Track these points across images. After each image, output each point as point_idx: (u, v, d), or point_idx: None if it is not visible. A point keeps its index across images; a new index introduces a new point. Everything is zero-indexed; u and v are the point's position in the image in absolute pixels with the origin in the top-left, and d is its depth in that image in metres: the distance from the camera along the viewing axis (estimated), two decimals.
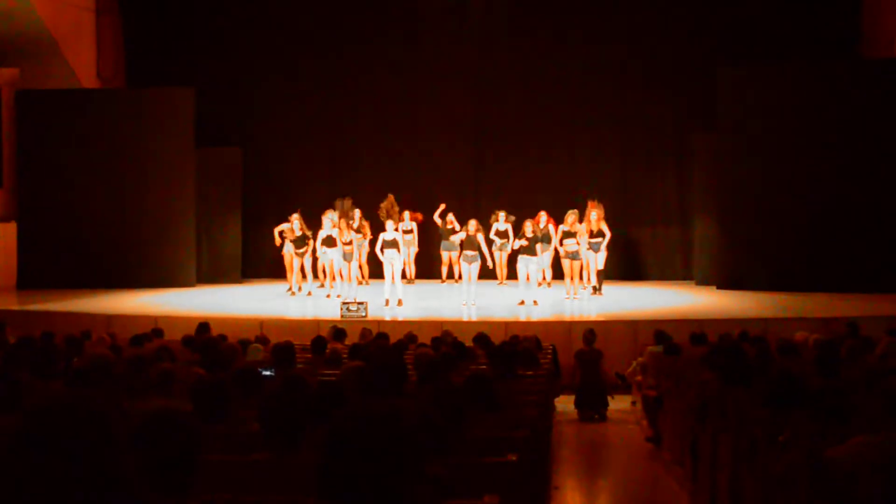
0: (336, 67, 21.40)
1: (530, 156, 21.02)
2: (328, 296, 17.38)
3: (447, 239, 18.79)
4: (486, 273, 18.06)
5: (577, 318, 14.86)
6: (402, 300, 16.06)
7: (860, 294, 16.60)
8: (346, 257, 16.98)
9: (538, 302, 16.15)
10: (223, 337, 11.42)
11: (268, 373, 7.43)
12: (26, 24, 18.89)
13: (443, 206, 19.17)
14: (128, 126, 19.86)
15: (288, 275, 18.34)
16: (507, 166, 21.07)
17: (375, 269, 17.95)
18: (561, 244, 17.23)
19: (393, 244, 16.07)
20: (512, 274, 17.67)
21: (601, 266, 17.40)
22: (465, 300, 16.10)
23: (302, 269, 18.11)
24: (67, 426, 2.25)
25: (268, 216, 19.57)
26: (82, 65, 20.63)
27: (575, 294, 17.01)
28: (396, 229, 16.43)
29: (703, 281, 19.15)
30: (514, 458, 4.59)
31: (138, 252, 19.66)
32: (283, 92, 21.50)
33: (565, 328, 14.08)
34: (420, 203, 20.05)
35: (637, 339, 13.40)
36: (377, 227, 17.67)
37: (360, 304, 14.72)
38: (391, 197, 19.17)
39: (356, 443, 2.43)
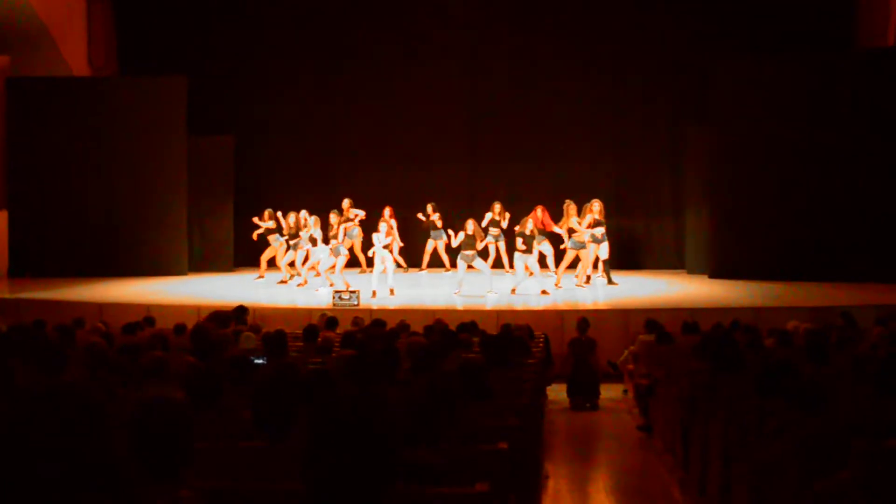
0: (330, 56, 21.33)
1: (525, 150, 21.00)
2: (317, 290, 17.33)
3: (435, 229, 19.17)
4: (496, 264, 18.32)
5: (569, 307, 14.87)
6: (393, 289, 16.12)
7: (851, 283, 16.65)
8: (335, 252, 16.98)
9: (548, 291, 16.21)
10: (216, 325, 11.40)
11: (259, 361, 7.44)
12: (17, 11, 18.78)
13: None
14: (119, 114, 19.79)
15: (279, 265, 18.46)
16: (502, 161, 21.05)
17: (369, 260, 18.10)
18: (569, 236, 17.18)
19: (385, 248, 16.45)
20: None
21: (606, 255, 17.35)
22: (457, 288, 16.16)
23: (293, 260, 18.15)
24: (60, 413, 2.26)
25: (260, 205, 19.52)
26: (74, 53, 20.55)
27: (587, 282, 17.11)
28: (388, 234, 16.60)
29: (695, 270, 19.20)
30: (505, 447, 4.61)
31: (130, 240, 19.62)
32: (277, 80, 21.43)
33: (557, 317, 14.09)
34: (415, 196, 20.09)
35: (629, 328, 13.43)
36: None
37: (352, 292, 14.73)
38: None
39: (335, 428, 2.45)
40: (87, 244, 19.55)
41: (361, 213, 18.62)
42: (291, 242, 18.05)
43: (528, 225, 16.31)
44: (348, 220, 18.17)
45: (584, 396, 11.92)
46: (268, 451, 4.27)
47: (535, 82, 20.98)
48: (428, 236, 19.49)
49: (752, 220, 18.12)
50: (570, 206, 17.26)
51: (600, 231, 17.02)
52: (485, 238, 17.00)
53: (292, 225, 18.03)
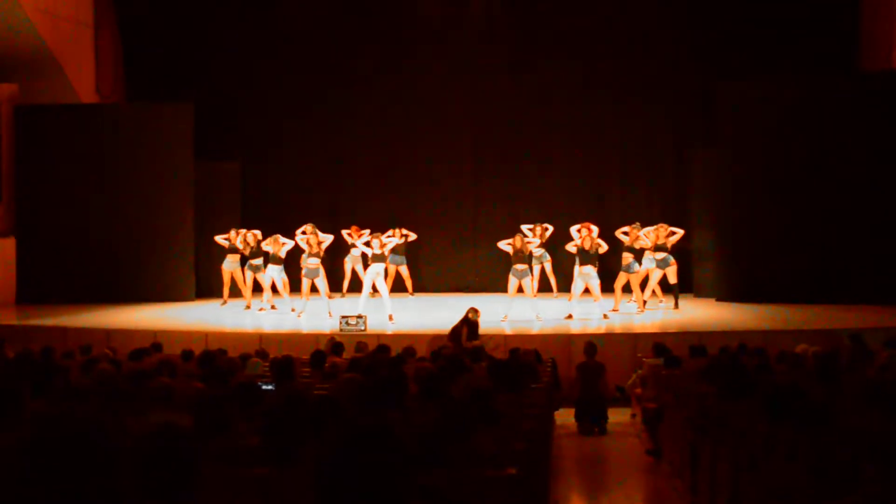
0: (335, 82, 21.44)
1: (529, 172, 21.07)
2: (292, 310, 17.20)
3: (400, 254, 18.83)
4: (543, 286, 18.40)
5: (577, 332, 14.84)
6: (392, 315, 16.00)
7: (860, 306, 16.60)
8: (310, 274, 16.89)
9: (573, 315, 16.10)
10: (223, 351, 11.41)
11: (268, 387, 7.43)
12: (25, 39, 18.92)
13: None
14: (126, 141, 19.88)
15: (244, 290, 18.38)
16: (506, 182, 21.12)
17: (335, 286, 18.63)
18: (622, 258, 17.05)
19: (380, 258, 16.37)
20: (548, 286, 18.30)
21: (674, 280, 17.24)
22: (533, 314, 15.95)
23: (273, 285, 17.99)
24: (68, 441, 2.26)
25: (266, 230, 19.54)
26: (81, 80, 20.66)
27: (613, 308, 16.91)
28: (382, 246, 16.47)
29: (703, 294, 19.16)
30: (513, 472, 4.59)
31: (137, 266, 19.66)
32: (282, 106, 21.53)
33: (565, 341, 14.06)
34: (419, 215, 20.17)
35: (637, 352, 13.39)
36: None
37: (358, 317, 14.66)
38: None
39: (349, 457, 2.45)
40: (94, 270, 19.59)
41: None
42: (254, 263, 17.95)
43: (588, 242, 16.13)
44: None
45: (592, 420, 11.87)
46: (276, 478, 4.25)
47: (538, 106, 21.04)
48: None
49: (759, 243, 18.09)
50: (634, 228, 17.09)
51: (661, 255, 16.99)
52: (529, 252, 16.57)
53: (251, 243, 17.93)
